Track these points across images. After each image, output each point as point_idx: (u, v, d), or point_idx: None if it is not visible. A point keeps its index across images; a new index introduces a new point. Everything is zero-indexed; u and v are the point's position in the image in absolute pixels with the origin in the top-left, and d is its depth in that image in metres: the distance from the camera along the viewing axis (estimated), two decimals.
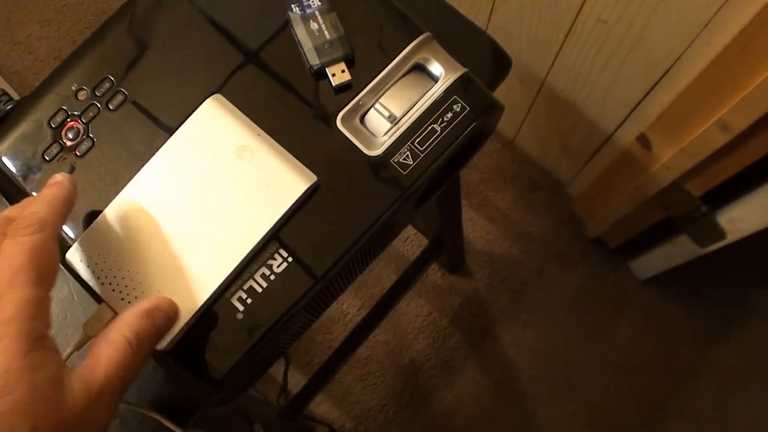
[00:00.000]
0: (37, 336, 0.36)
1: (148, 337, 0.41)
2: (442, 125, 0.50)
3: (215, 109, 0.50)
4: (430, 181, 0.52)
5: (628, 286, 1.40)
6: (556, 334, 1.36)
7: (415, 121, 0.50)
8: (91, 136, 0.51)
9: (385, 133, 0.51)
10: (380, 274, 1.36)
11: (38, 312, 0.37)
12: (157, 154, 0.50)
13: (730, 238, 1.06)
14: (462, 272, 1.38)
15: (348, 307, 1.35)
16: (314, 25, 0.53)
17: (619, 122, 1.11)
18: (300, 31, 0.53)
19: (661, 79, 0.96)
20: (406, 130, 0.50)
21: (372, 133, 0.51)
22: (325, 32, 0.52)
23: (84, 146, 0.51)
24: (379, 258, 1.38)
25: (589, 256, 1.41)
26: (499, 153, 1.45)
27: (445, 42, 0.54)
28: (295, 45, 0.52)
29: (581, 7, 0.96)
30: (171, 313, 0.44)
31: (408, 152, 0.50)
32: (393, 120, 0.51)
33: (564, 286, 1.39)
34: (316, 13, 0.53)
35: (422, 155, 0.50)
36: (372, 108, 0.51)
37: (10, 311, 0.36)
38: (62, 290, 0.61)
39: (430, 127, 0.50)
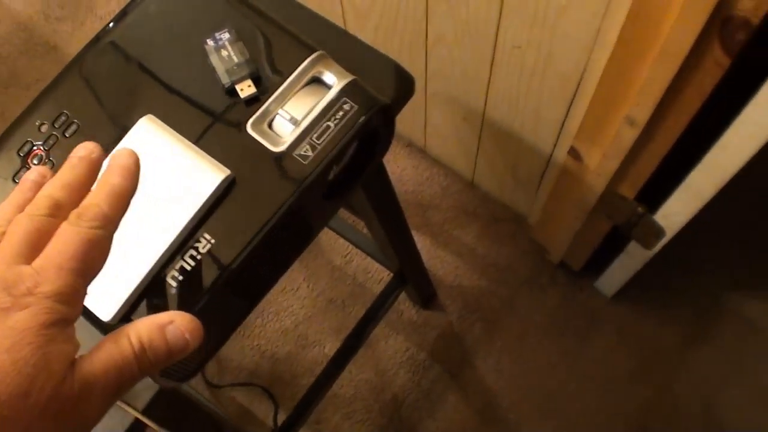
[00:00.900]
0: (63, 319, 0.37)
1: (156, 351, 0.40)
2: (335, 122, 0.61)
3: (148, 125, 0.61)
4: (329, 168, 0.61)
5: (597, 304, 1.46)
6: (532, 357, 1.42)
7: (312, 121, 0.61)
8: (51, 159, 0.62)
9: (290, 134, 0.61)
10: (359, 316, 1.43)
11: (73, 300, 0.38)
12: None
13: (670, 233, 1.13)
14: (435, 307, 1.45)
15: (329, 350, 1.41)
16: (225, 53, 0.64)
17: (553, 141, 1.20)
18: (214, 59, 0.64)
19: (576, 90, 1.05)
20: (305, 129, 0.60)
21: (278, 134, 0.61)
22: (234, 57, 0.64)
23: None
24: (360, 301, 1.45)
25: (556, 280, 1.47)
26: (460, 193, 1.54)
27: (352, 65, 0.65)
28: (211, 71, 0.63)
29: (496, 38, 1.07)
30: (188, 332, 0.41)
31: (308, 146, 0.60)
32: (295, 122, 0.61)
33: (535, 311, 1.45)
34: (226, 43, 0.65)
35: (319, 147, 0.60)
36: (277, 114, 0.62)
37: (50, 289, 0.37)
38: None
39: (325, 124, 0.61)
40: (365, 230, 1.43)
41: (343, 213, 1.51)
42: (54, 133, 0.63)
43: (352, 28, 1.31)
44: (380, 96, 0.64)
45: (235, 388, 1.39)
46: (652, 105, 0.90)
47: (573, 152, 1.13)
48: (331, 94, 0.62)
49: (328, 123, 0.61)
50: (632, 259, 1.28)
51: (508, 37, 1.05)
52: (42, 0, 1.84)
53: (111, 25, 0.68)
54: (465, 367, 1.41)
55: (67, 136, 0.62)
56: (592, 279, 1.46)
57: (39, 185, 0.44)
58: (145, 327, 0.40)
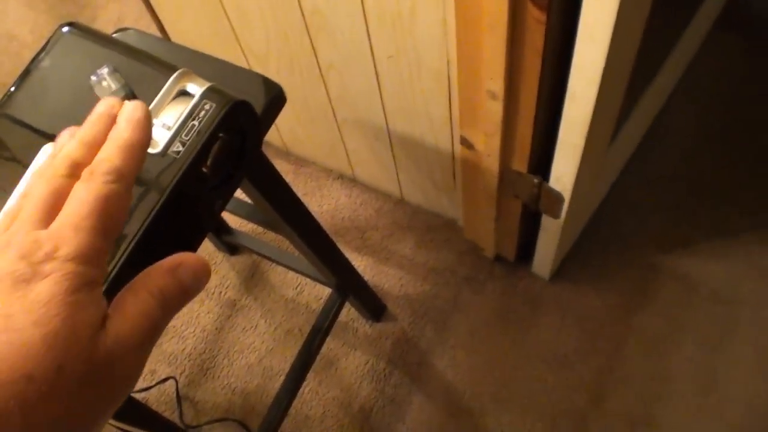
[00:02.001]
0: (89, 281, 0.35)
1: (174, 294, 0.39)
2: (199, 120, 0.73)
3: (46, 152, 0.73)
4: (199, 158, 0.73)
5: (537, 288, 1.55)
6: (485, 349, 1.49)
7: (180, 123, 0.73)
8: None
9: (165, 138, 0.73)
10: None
11: (96, 260, 0.36)
12: (9, 198, 0.71)
13: (566, 195, 1.23)
14: (386, 318, 1.54)
15: None
16: (105, 83, 0.77)
17: (449, 138, 1.31)
18: (98, 90, 0.76)
19: (449, 83, 1.17)
20: (175, 131, 0.72)
21: (156, 140, 0.73)
22: (112, 85, 0.76)
23: None
24: None
25: (495, 273, 1.56)
26: (392, 211, 1.65)
27: (225, 84, 0.78)
28: (97, 100, 0.77)
29: (372, 52, 1.19)
30: (198, 269, 0.40)
31: (179, 143, 0.72)
32: (168, 128, 0.73)
33: (480, 306, 1.54)
34: (105, 75, 0.77)
35: (188, 142, 0.72)
36: (153, 124, 0.74)
37: (70, 251, 0.35)
38: None
39: (191, 124, 0.73)
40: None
41: (288, 246, 1.61)
42: None
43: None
44: (236, 95, 0.77)
45: (212, 426, 1.46)
46: (502, 74, 1.02)
47: (464, 141, 1.24)
48: (194, 100, 0.74)
49: (193, 122, 0.73)
50: (550, 233, 1.38)
51: (381, 48, 1.17)
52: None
53: (18, 81, 0.81)
54: (423, 368, 1.48)
55: None
56: (527, 266, 1.55)
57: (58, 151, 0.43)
58: (159, 275, 0.40)
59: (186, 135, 0.72)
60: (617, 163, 1.63)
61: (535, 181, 1.24)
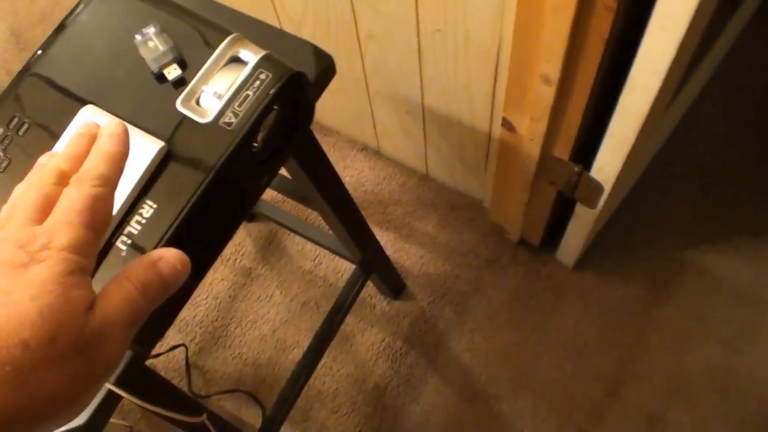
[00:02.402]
0: (80, 268, 0.40)
1: (154, 285, 0.43)
2: (253, 90, 0.68)
3: (88, 113, 0.68)
4: (253, 130, 0.69)
5: (560, 275, 1.52)
6: (503, 333, 1.47)
7: (233, 92, 0.68)
8: (8, 156, 0.68)
9: (215, 107, 0.68)
10: None
11: (86, 251, 0.41)
12: (51, 151, 0.67)
13: (607, 186, 1.20)
14: (405, 297, 1.51)
15: None
16: (151, 44, 0.72)
17: (488, 118, 1.27)
18: (143, 51, 0.71)
19: (497, 63, 1.12)
20: (228, 100, 0.68)
21: (205, 109, 0.69)
22: (159, 46, 0.71)
23: (3, 165, 0.68)
24: (331, 301, 1.50)
25: (518, 258, 1.53)
26: (416, 187, 1.60)
27: (274, 51, 0.73)
28: (141, 62, 0.71)
29: (418, 25, 1.14)
30: (177, 263, 0.45)
31: (231, 114, 0.67)
32: (219, 96, 0.68)
33: (501, 290, 1.51)
34: (152, 35, 0.72)
35: (242, 113, 0.67)
36: (202, 91, 0.69)
37: (63, 242, 0.40)
38: None
39: (244, 94, 0.68)
40: (330, 232, 1.49)
41: (308, 217, 1.57)
42: (8, 133, 0.70)
43: None
44: (293, 66, 0.72)
45: (222, 397, 1.43)
46: (560, 59, 0.97)
47: (506, 123, 1.20)
48: (248, 68, 0.69)
49: (247, 92, 0.68)
50: (582, 222, 1.34)
51: (428, 22, 1.12)
52: (2, 57, 1.92)
53: (51, 37, 0.75)
54: (440, 350, 1.46)
55: (20, 134, 0.69)
56: (552, 252, 1.52)
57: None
58: (140, 267, 0.44)
59: (239, 105, 0.67)
60: (649, 152, 1.59)
61: (576, 169, 1.20)
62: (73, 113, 0.68)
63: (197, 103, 0.69)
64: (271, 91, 0.68)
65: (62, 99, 0.70)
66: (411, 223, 1.57)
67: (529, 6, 0.94)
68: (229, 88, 0.68)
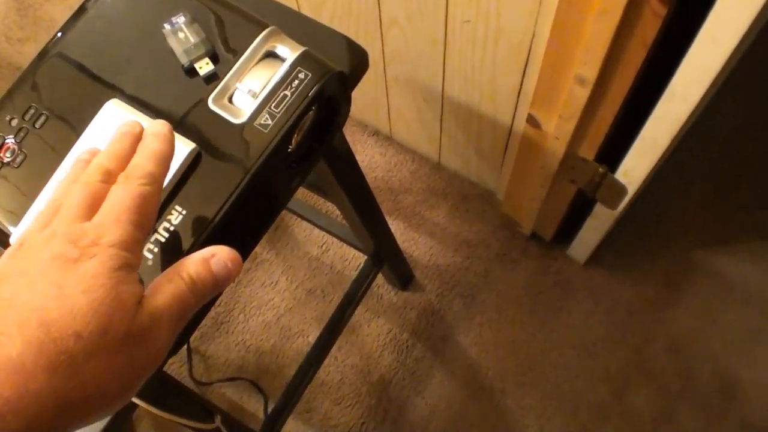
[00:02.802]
0: (128, 264, 0.41)
1: (205, 281, 0.44)
2: (291, 90, 0.63)
3: (113, 109, 0.63)
4: (289, 134, 0.64)
5: (570, 271, 1.49)
6: (512, 328, 1.45)
7: (270, 91, 0.63)
8: (23, 150, 0.64)
9: (249, 106, 0.63)
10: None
11: (133, 248, 0.42)
12: (73, 148, 0.62)
13: (631, 189, 1.17)
14: (413, 288, 1.48)
15: (314, 339, 1.43)
16: (181, 35, 0.67)
17: (512, 112, 1.23)
18: (172, 41, 0.66)
19: (528, 58, 1.08)
20: (263, 99, 0.63)
21: (239, 107, 0.64)
22: (190, 38, 0.66)
23: (19, 159, 0.64)
24: (340, 289, 1.48)
25: (529, 252, 1.51)
26: (428, 176, 1.57)
27: (306, 42, 0.68)
28: (170, 53, 0.66)
29: (446, 14, 1.10)
30: (229, 261, 0.46)
31: (267, 115, 0.63)
32: (254, 95, 0.64)
33: (511, 284, 1.48)
34: (182, 25, 0.67)
35: (278, 115, 0.63)
36: (236, 89, 0.65)
37: (112, 239, 0.41)
38: None
39: (282, 94, 0.63)
40: (339, 218, 1.45)
41: (316, 202, 1.54)
42: (24, 126, 0.65)
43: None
44: (333, 65, 0.67)
45: (223, 385, 1.40)
46: (599, 61, 0.94)
47: (531, 119, 1.16)
48: (286, 65, 0.65)
49: (285, 92, 0.64)
50: (599, 221, 1.32)
51: (458, 12, 1.08)
52: (2, 23, 1.85)
53: (71, 20, 0.70)
54: (447, 344, 1.43)
55: (37, 126, 0.64)
56: (563, 248, 1.50)
57: (89, 163, 0.48)
58: (192, 263, 0.45)
59: (276, 107, 0.63)
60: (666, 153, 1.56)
61: (601, 170, 1.17)
62: (94, 106, 0.64)
63: (230, 100, 0.65)
64: (311, 93, 0.64)
65: (83, 90, 0.66)
66: (421, 213, 1.54)
67: (572, 5, 0.90)
68: (264, 87, 0.64)
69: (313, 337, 1.44)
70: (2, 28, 1.85)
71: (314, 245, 1.52)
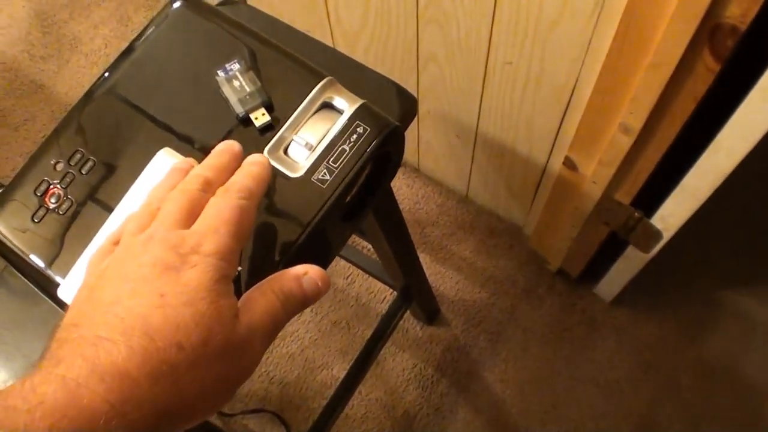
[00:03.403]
0: (226, 275, 0.42)
1: (295, 298, 0.46)
2: (350, 145, 0.63)
3: (166, 158, 0.62)
4: (347, 190, 0.63)
5: (596, 309, 1.48)
6: (536, 366, 1.44)
7: (327, 145, 0.62)
8: (69, 197, 0.63)
9: (306, 159, 0.62)
10: (365, 337, 1.44)
11: (231, 259, 0.43)
12: (123, 199, 0.61)
13: (667, 235, 1.16)
14: (439, 322, 1.47)
15: (338, 372, 1.42)
16: (236, 83, 0.66)
17: (547, 152, 1.22)
18: (226, 90, 0.66)
19: (569, 102, 1.08)
20: (321, 153, 0.62)
21: (294, 160, 0.63)
22: (246, 86, 0.65)
23: (65, 206, 0.63)
24: (365, 321, 1.47)
25: (556, 289, 1.50)
26: (455, 209, 1.56)
27: (356, 89, 0.67)
28: (224, 101, 0.65)
29: (488, 55, 1.10)
30: (319, 281, 0.47)
31: (325, 170, 0.62)
32: (310, 147, 0.63)
33: (536, 320, 1.47)
34: (237, 73, 0.66)
35: (337, 170, 0.62)
36: (292, 141, 0.64)
37: (211, 248, 0.42)
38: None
39: (340, 148, 0.62)
40: (365, 250, 1.45)
41: None
42: (70, 171, 0.64)
43: (342, 50, 1.33)
44: (391, 119, 0.67)
45: (246, 416, 1.39)
46: (646, 112, 0.93)
47: (568, 162, 1.16)
48: (344, 119, 0.64)
49: (343, 147, 0.63)
50: (630, 263, 1.31)
51: (500, 53, 1.08)
52: (25, 39, 1.85)
53: (117, 61, 0.69)
54: (472, 380, 1.43)
55: (84, 173, 0.64)
56: (590, 285, 1.49)
57: (186, 172, 0.50)
58: (286, 279, 0.46)
59: (334, 161, 0.62)
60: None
61: (636, 215, 1.16)
62: (144, 154, 0.62)
63: (285, 152, 0.64)
64: (369, 149, 0.63)
65: (132, 136, 0.65)
66: (448, 246, 1.53)
67: (622, 56, 0.90)
68: (321, 140, 0.63)
69: (337, 369, 1.43)
70: (25, 44, 1.84)
71: (340, 277, 1.51)
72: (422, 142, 1.48)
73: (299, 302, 0.46)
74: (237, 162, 0.50)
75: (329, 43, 1.34)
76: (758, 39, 0.80)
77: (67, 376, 0.36)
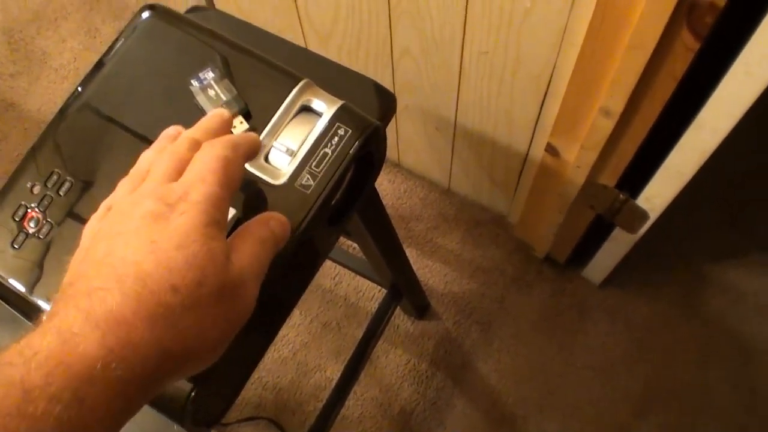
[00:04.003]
0: (216, 220, 0.43)
1: (269, 239, 0.47)
2: (332, 147, 0.61)
3: None
4: (332, 195, 0.62)
5: (586, 293, 1.48)
6: (530, 353, 1.44)
7: (309, 150, 0.61)
8: (49, 220, 0.61)
9: (287, 165, 0.61)
10: (356, 336, 1.43)
11: (220, 205, 0.44)
12: None
13: (653, 215, 1.16)
14: (430, 316, 1.46)
15: (331, 374, 1.41)
16: (211, 92, 0.64)
17: (528, 140, 1.22)
18: (201, 99, 0.64)
19: (548, 88, 1.07)
20: (303, 158, 0.61)
21: (276, 167, 0.61)
22: (221, 95, 0.64)
23: (44, 229, 0.61)
24: (355, 321, 1.46)
25: (544, 275, 1.49)
26: (438, 201, 1.55)
27: (333, 89, 0.66)
28: (200, 112, 0.63)
29: (462, 46, 1.09)
30: (282, 222, 0.50)
31: (308, 175, 0.60)
32: (291, 153, 0.61)
33: (527, 308, 1.47)
34: (212, 81, 0.64)
35: (320, 175, 0.60)
36: (272, 147, 0.62)
37: (199, 196, 0.43)
38: None
39: (322, 152, 0.61)
40: (351, 249, 1.43)
41: None
42: (48, 193, 0.62)
43: (316, 50, 1.31)
44: (372, 119, 0.65)
45: (242, 424, 1.38)
46: (626, 95, 0.93)
47: (550, 148, 1.15)
48: (324, 121, 0.62)
49: (325, 150, 0.61)
50: (618, 244, 1.31)
51: (475, 43, 1.07)
52: (1, 28, 1.82)
53: (89, 76, 0.67)
54: (467, 372, 1.42)
55: (62, 194, 0.62)
56: (579, 269, 1.49)
57: (175, 138, 0.50)
58: (257, 225, 0.48)
59: (317, 166, 0.61)
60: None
61: (622, 197, 1.16)
62: (123, 172, 0.61)
63: (266, 160, 0.62)
64: (352, 150, 0.62)
65: (108, 153, 0.63)
66: (434, 240, 1.52)
67: (598, 40, 0.89)
68: (302, 144, 0.62)
69: (330, 371, 1.42)
70: None
71: (327, 278, 1.50)
72: (401, 136, 1.47)
73: (273, 243, 0.48)
74: (226, 127, 0.52)
75: (301, 43, 1.33)
76: (739, 13, 0.80)
77: (61, 327, 0.37)
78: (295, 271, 0.65)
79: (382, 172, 1.56)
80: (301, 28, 1.29)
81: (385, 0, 1.09)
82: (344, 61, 1.29)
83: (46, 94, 1.75)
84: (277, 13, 1.29)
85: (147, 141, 0.62)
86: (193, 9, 0.85)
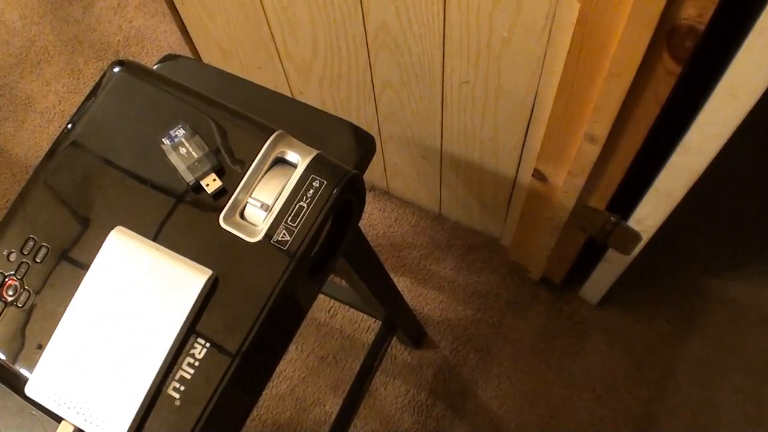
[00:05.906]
0: None
1: None
2: (307, 201, 0.60)
3: (119, 239, 0.60)
4: (310, 249, 0.61)
5: (583, 313, 1.47)
6: (529, 377, 1.42)
7: (284, 204, 0.60)
8: (27, 288, 0.60)
9: (263, 221, 0.60)
10: (353, 369, 1.42)
11: None
12: (79, 288, 0.58)
13: (645, 236, 1.15)
14: (427, 345, 1.45)
15: (330, 407, 1.39)
16: (183, 150, 0.63)
17: (515, 166, 1.21)
18: (173, 158, 0.63)
19: (531, 115, 1.06)
20: (278, 213, 0.60)
21: (252, 223, 0.61)
22: (193, 153, 0.63)
23: (23, 297, 0.60)
24: (351, 353, 1.44)
25: (540, 297, 1.48)
26: (430, 227, 1.54)
27: (310, 136, 0.65)
28: (173, 170, 0.62)
29: (443, 76, 1.08)
30: None
31: (284, 231, 0.59)
32: (266, 208, 0.60)
33: (524, 331, 1.45)
34: (183, 139, 0.64)
35: (296, 230, 0.59)
36: (247, 203, 0.61)
37: None
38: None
39: (297, 205, 0.60)
40: (343, 283, 1.42)
41: None
42: (24, 260, 0.61)
43: (297, 84, 1.31)
44: (346, 165, 0.64)
45: None
46: (610, 120, 0.92)
47: (537, 174, 1.14)
48: (298, 174, 0.61)
49: (301, 203, 0.60)
50: (612, 265, 1.30)
51: (455, 73, 1.06)
52: None
53: (61, 138, 0.66)
54: (467, 399, 1.40)
55: (39, 261, 0.61)
56: (575, 289, 1.47)
57: None
58: None
59: (293, 220, 0.60)
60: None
61: (612, 219, 1.15)
62: (98, 235, 0.60)
63: (242, 216, 0.61)
64: (328, 203, 0.61)
65: (82, 217, 0.62)
66: (427, 267, 1.51)
67: (579, 67, 0.88)
68: (277, 198, 0.61)
69: (329, 405, 1.40)
70: None
71: (321, 311, 1.48)
72: (389, 165, 1.46)
73: None
74: None
75: (282, 78, 1.32)
76: (721, 35, 0.79)
77: None
78: (277, 327, 0.64)
79: (371, 201, 1.56)
80: (281, 62, 1.28)
81: (362, 35, 1.08)
82: (325, 94, 1.29)
83: (33, 139, 1.74)
84: (255, 50, 1.28)
85: (122, 206, 0.62)
86: (167, 57, 0.84)
